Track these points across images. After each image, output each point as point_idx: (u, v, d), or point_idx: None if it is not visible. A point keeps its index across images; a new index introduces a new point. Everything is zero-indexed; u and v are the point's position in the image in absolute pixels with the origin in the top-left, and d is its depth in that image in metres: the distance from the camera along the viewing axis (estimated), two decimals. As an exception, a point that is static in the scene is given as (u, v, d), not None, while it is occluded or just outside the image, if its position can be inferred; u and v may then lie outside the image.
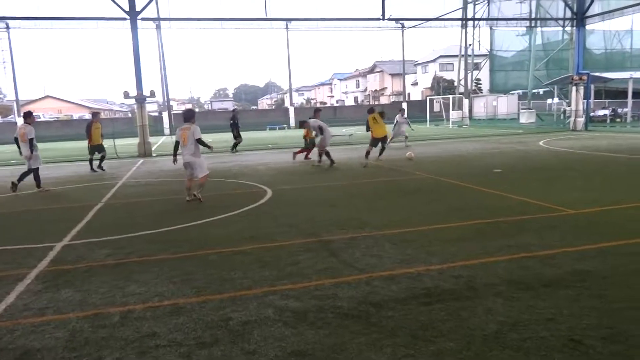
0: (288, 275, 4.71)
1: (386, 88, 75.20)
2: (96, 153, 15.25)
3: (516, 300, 3.85)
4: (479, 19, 39.03)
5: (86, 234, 6.81)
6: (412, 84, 69.02)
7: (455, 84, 46.39)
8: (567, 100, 32.72)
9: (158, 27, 34.43)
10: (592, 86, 30.65)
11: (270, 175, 12.26)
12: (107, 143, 16.04)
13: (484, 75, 45.21)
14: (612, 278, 4.29)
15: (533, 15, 36.67)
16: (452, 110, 37.85)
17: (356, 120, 38.81)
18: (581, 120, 25.75)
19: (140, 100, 20.96)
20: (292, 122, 42.21)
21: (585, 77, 25.41)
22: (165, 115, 40.76)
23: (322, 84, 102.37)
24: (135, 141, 21.67)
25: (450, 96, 39.82)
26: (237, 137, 20.30)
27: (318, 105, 71.54)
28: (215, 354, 3.23)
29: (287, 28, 33.99)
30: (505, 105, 39.49)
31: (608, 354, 3.02)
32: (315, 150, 14.63)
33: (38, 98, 70.14)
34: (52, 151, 23.60)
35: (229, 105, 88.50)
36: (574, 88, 25.88)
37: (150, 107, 46.96)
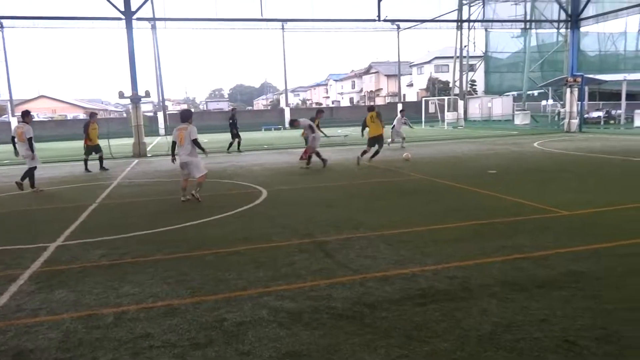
0: (283, 276, 4.70)
1: (382, 89, 75.28)
2: (93, 153, 15.21)
3: (510, 301, 3.87)
4: (474, 21, 39.21)
5: (80, 234, 6.78)
6: (407, 85, 69.12)
7: (451, 85, 46.53)
8: (561, 102, 32.84)
9: (153, 27, 34.30)
10: (586, 88, 30.79)
11: (265, 176, 12.26)
12: (102, 143, 16.01)
13: (479, 76, 45.32)
14: (605, 279, 4.31)
15: (528, 17, 36.80)
16: (447, 111, 37.90)
17: (352, 121, 38.87)
18: (575, 121, 25.87)
19: (135, 100, 20.89)
20: (287, 122, 42.13)
21: (579, 79, 25.53)
22: (160, 115, 40.58)
23: (318, 85, 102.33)
24: (130, 141, 21.62)
25: (446, 97, 39.86)
26: (235, 136, 20.31)
27: (314, 105, 71.56)
28: (210, 355, 3.22)
29: (282, 29, 33.95)
30: (500, 106, 39.57)
31: (602, 354, 3.04)
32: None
33: (32, 98, 69.81)
34: (46, 151, 23.47)
35: (225, 106, 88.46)
36: (568, 90, 26.00)
37: (145, 107, 46.92)
